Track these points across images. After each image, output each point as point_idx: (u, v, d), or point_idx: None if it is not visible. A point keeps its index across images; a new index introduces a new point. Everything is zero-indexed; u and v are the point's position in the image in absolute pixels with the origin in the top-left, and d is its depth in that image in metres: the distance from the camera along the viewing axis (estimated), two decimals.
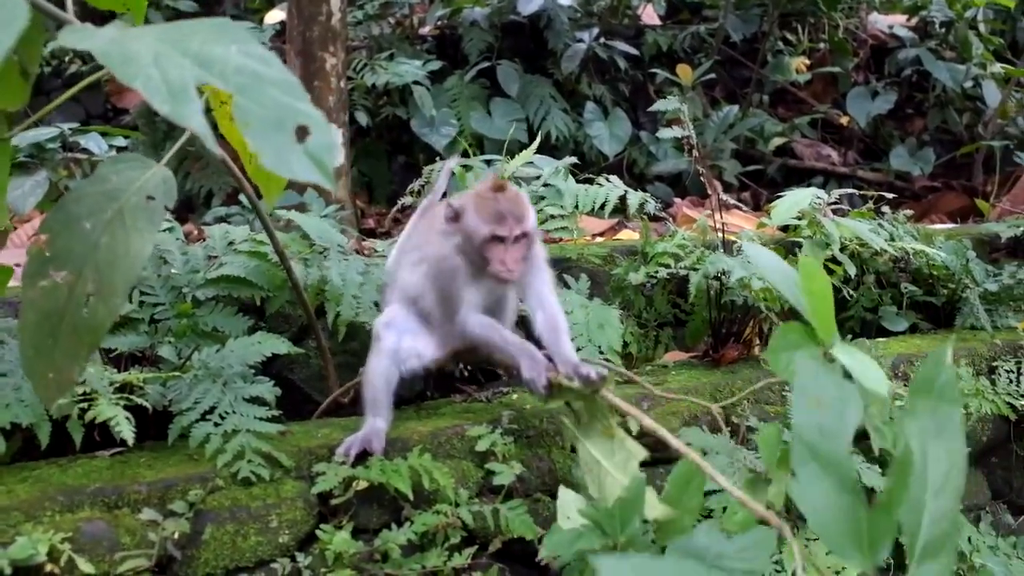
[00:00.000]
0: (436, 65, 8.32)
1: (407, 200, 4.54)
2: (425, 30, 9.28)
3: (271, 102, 1.87)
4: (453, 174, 4.23)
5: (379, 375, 3.17)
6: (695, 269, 3.99)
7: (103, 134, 5.20)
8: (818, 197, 4.09)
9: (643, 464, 3.45)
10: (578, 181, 4.61)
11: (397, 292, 3.34)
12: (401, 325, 3.26)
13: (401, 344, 3.22)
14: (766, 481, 3.09)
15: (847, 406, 2.01)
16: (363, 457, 3.01)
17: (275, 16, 8.83)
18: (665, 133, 4.27)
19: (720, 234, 4.30)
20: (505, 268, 3.02)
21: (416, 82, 7.92)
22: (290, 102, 1.89)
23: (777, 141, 8.69)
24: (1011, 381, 4.46)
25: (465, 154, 6.36)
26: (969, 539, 4.05)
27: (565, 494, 2.96)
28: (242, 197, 5.85)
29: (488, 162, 4.59)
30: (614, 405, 3.00)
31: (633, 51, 8.70)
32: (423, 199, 4.05)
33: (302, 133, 1.84)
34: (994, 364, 4.56)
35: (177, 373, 3.13)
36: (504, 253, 3.02)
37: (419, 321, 3.27)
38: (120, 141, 6.56)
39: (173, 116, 1.79)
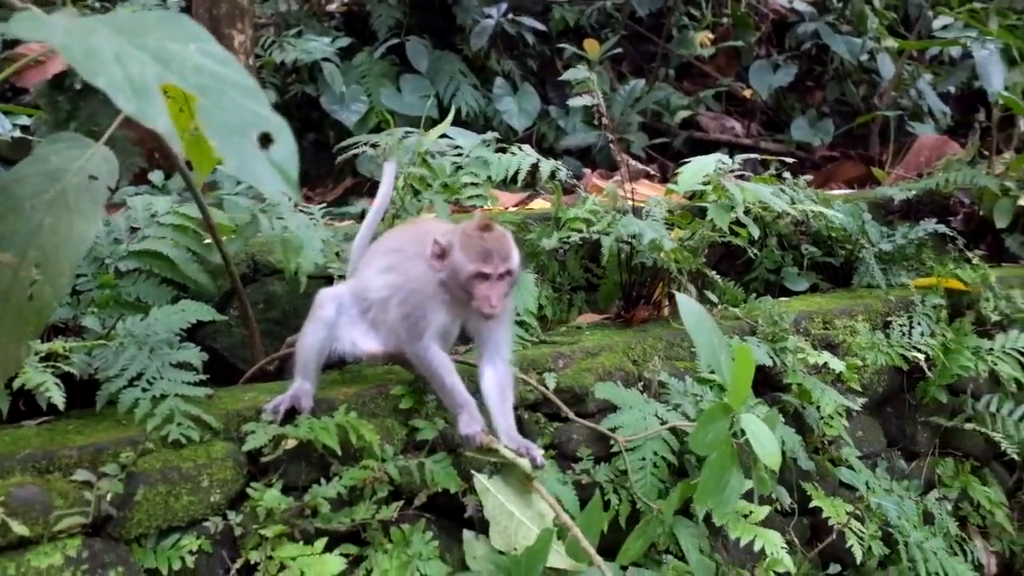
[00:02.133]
0: (345, 42, 8.35)
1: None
2: (333, 7, 9.29)
3: (232, 105, 1.87)
4: (396, 165, 4.26)
5: (313, 342, 3.25)
6: (607, 233, 4.12)
7: (6, 113, 5.13)
8: (722, 162, 4.25)
9: (560, 419, 3.65)
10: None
11: (358, 281, 3.40)
12: (345, 306, 3.34)
13: (339, 321, 3.30)
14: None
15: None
16: (291, 415, 3.10)
17: None
18: (576, 101, 4.39)
19: (630, 200, 4.44)
20: (488, 304, 3.09)
21: (325, 59, 7.94)
22: (251, 106, 1.89)
23: (683, 114, 8.90)
24: (904, 334, 4.70)
25: (379, 128, 6.41)
26: (867, 483, 4.28)
27: (469, 535, 3.21)
28: (152, 176, 5.86)
29: (406, 134, 4.65)
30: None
31: (541, 27, 8.82)
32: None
33: (265, 140, 1.83)
34: (888, 319, 4.80)
35: (103, 342, 3.16)
36: (488, 289, 3.10)
37: (363, 315, 3.35)
38: (24, 120, 6.47)
39: (139, 116, 1.77)
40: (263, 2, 9.12)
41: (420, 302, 3.18)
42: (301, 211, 3.98)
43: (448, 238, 3.15)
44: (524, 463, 3.13)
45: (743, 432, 3.02)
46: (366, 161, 6.87)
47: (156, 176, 5.89)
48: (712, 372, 3.87)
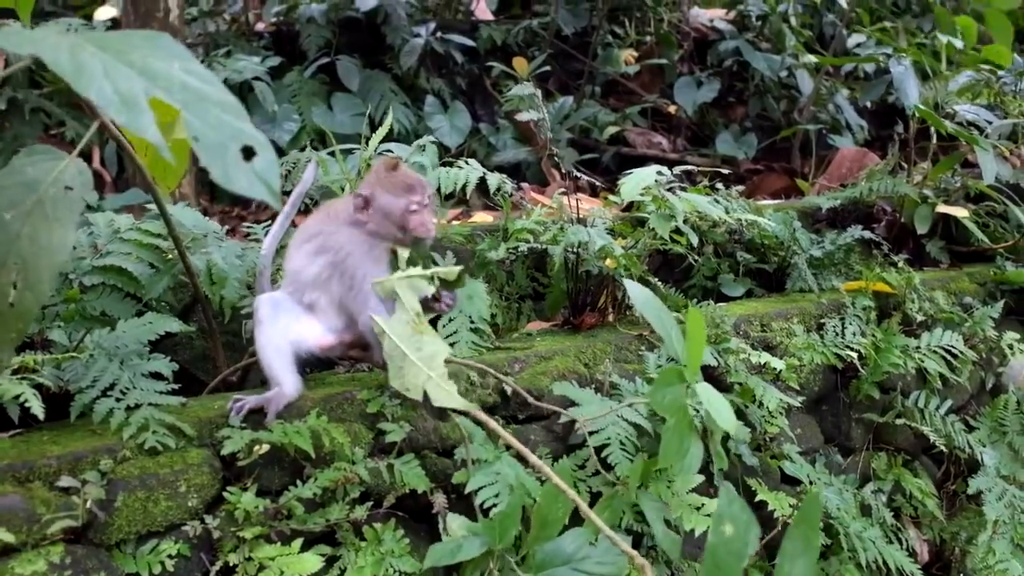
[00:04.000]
0: (275, 61, 8.39)
1: None
2: (261, 26, 9.31)
3: (216, 121, 1.98)
4: (317, 166, 4.36)
5: (264, 343, 3.32)
6: (556, 243, 4.27)
7: None
8: (660, 173, 4.42)
9: (517, 421, 3.76)
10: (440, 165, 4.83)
11: (288, 279, 3.47)
12: (282, 304, 3.41)
13: (279, 317, 3.37)
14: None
15: (749, 531, 2.41)
16: (255, 414, 3.19)
17: (106, 12, 8.64)
18: (522, 116, 4.53)
19: (575, 211, 4.58)
20: (425, 228, 3.36)
21: (256, 78, 7.97)
22: (234, 122, 2.01)
23: (611, 130, 9.09)
24: (837, 334, 4.91)
25: (307, 148, 6.44)
26: (808, 477, 4.47)
27: (453, 519, 3.33)
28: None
29: (347, 151, 4.74)
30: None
31: (470, 43, 8.95)
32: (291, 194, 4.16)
33: (248, 153, 1.97)
34: (822, 321, 5.01)
35: (72, 355, 3.20)
36: (422, 216, 3.35)
37: (303, 308, 3.43)
38: None
39: (130, 126, 1.89)
40: (192, 22, 9.11)
41: (359, 265, 3.33)
42: (247, 227, 4.05)
43: (366, 190, 3.36)
44: None
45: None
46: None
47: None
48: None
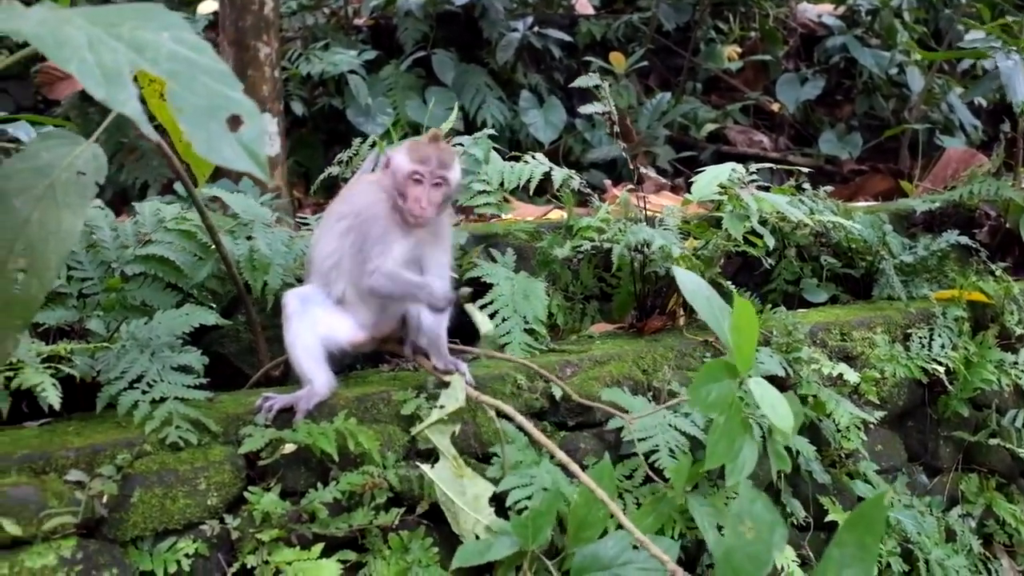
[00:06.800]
0: (372, 54, 8.37)
1: (334, 170, 4.58)
2: (360, 21, 9.31)
3: (204, 90, 1.90)
4: (380, 153, 4.30)
5: (292, 340, 3.26)
6: (617, 241, 4.08)
7: (33, 123, 5.17)
8: (733, 169, 4.20)
9: (567, 428, 3.60)
10: (505, 159, 4.69)
11: (314, 270, 3.41)
12: (311, 298, 3.34)
13: (309, 312, 3.29)
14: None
15: (774, 536, 2.17)
16: (286, 412, 3.10)
17: (208, 6, 8.78)
18: (586, 108, 4.36)
19: (643, 209, 4.40)
20: (419, 206, 3.19)
21: (352, 71, 7.96)
22: (223, 90, 1.92)
23: (710, 127, 8.85)
24: (923, 346, 4.61)
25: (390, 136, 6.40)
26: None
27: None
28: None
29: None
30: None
31: (568, 38, 8.80)
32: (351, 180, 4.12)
33: (235, 122, 1.87)
34: (908, 331, 4.71)
35: (106, 344, 3.16)
36: (421, 192, 3.19)
37: (333, 302, 3.36)
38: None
39: (108, 101, 1.81)
40: (291, 15, 9.16)
41: (371, 223, 3.24)
42: (300, 221, 3.98)
43: (393, 150, 3.30)
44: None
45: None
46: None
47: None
48: None
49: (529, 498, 3.20)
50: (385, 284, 3.23)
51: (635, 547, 3.05)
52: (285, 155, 6.84)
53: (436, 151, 3.23)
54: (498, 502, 3.21)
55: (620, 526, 3.02)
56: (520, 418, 3.23)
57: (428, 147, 3.24)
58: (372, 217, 3.24)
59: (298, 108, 7.86)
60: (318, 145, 8.19)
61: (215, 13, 8.38)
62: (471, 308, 3.32)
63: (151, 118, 2.87)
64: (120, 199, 7.30)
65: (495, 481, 3.23)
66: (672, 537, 3.43)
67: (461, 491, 3.14)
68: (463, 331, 3.74)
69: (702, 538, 3.43)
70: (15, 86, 8.51)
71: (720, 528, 3.41)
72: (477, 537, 3.07)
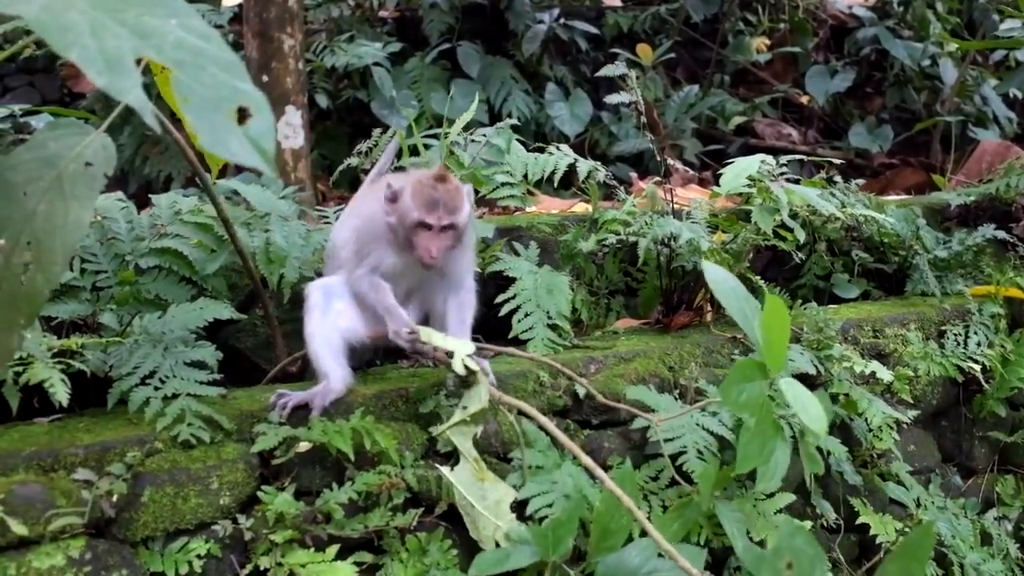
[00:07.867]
0: (396, 47, 8.29)
1: (353, 161, 4.50)
2: (385, 12, 9.24)
3: (211, 80, 1.82)
4: (399, 144, 4.22)
5: (313, 336, 3.20)
6: (643, 234, 3.98)
7: (55, 115, 5.12)
8: (763, 161, 4.09)
9: (590, 427, 3.50)
10: (529, 150, 4.59)
11: (332, 260, 3.39)
12: (335, 290, 3.29)
13: (332, 305, 3.25)
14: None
15: (814, 570, 2.10)
16: (301, 410, 3.03)
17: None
18: (613, 98, 4.25)
19: (670, 202, 4.29)
20: (429, 255, 3.11)
21: (376, 64, 7.89)
22: (231, 81, 1.84)
23: (737, 120, 8.72)
24: (959, 344, 4.49)
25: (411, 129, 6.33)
26: (918, 500, 4.08)
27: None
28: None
29: (433, 136, 4.55)
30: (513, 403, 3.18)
31: (594, 30, 8.70)
32: (371, 171, 4.05)
33: (243, 115, 1.80)
34: (943, 328, 4.59)
35: (118, 339, 3.09)
36: (430, 240, 3.11)
37: (351, 295, 3.30)
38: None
39: (110, 89, 1.73)
40: (316, 8, 9.10)
41: (371, 236, 3.22)
42: (319, 212, 3.92)
43: (402, 184, 3.17)
44: (472, 365, 3.12)
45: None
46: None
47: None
48: None
49: (550, 506, 3.09)
50: (368, 293, 3.21)
51: (660, 555, 2.95)
52: (309, 148, 6.78)
53: (444, 194, 3.11)
54: (519, 505, 3.11)
55: (644, 532, 2.92)
56: (543, 419, 3.12)
57: (435, 190, 3.11)
58: (373, 231, 3.23)
59: (323, 101, 7.79)
60: (343, 138, 8.11)
61: (240, 5, 8.35)
62: (428, 331, 3.16)
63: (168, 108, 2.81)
64: (144, 192, 7.26)
65: (516, 487, 3.14)
66: (698, 543, 3.32)
67: (482, 496, 3.04)
68: (485, 328, 3.65)
69: (729, 544, 3.34)
70: (41, 79, 8.51)
71: (749, 535, 3.32)
72: (497, 544, 2.97)
